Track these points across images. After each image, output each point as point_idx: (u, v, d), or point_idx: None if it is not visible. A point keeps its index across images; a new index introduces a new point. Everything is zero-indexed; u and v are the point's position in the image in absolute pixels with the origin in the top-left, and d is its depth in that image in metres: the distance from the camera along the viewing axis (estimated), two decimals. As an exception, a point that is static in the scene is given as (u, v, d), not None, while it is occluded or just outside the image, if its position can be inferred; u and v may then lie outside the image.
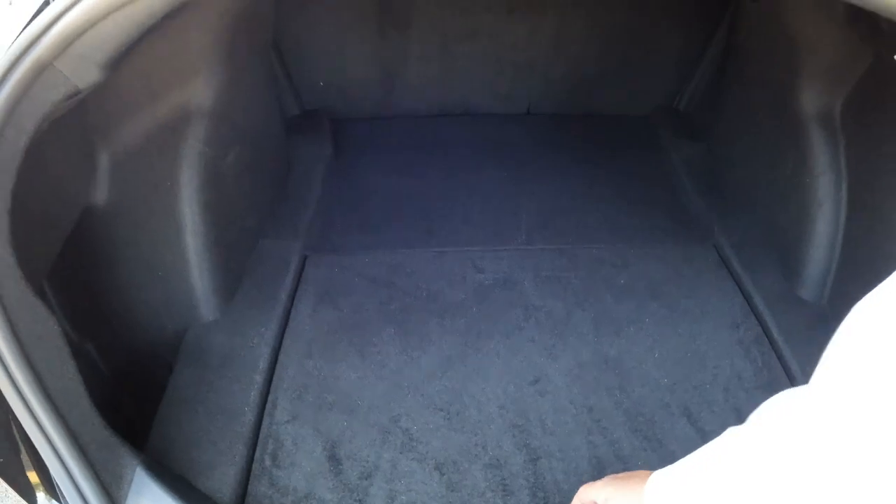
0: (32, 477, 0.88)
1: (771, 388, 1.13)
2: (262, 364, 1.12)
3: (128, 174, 1.01)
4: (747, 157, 1.55)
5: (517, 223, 1.54)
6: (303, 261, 1.40)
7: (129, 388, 1.08)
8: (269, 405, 1.08)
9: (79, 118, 0.89)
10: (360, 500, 0.95)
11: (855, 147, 1.22)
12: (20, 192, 0.72)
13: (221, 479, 0.93)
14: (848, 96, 1.22)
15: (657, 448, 1.04)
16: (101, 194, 0.97)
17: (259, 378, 1.10)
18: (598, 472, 1.00)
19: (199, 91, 1.07)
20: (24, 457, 0.85)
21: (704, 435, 1.06)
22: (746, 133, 1.56)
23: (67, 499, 0.75)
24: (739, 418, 1.09)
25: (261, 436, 1.03)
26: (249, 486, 0.96)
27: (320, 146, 1.74)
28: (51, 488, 0.84)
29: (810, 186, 1.28)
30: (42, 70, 0.69)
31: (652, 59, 1.86)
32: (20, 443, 0.84)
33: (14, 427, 0.81)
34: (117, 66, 0.74)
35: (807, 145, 1.28)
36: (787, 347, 1.20)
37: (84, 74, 0.72)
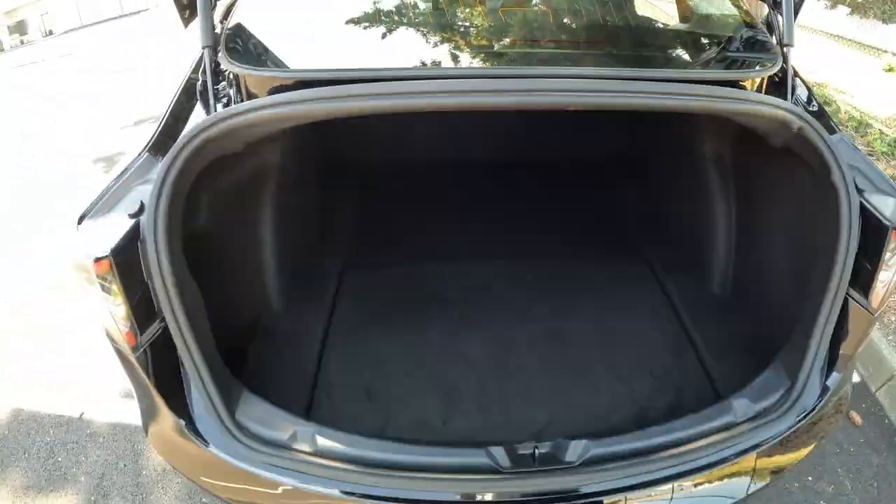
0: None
1: (675, 351, 1.65)
2: (316, 339, 1.65)
3: (221, 207, 1.50)
4: (671, 191, 2.12)
5: (497, 245, 2.12)
6: (342, 271, 1.97)
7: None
8: (322, 364, 1.60)
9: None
10: (387, 416, 1.45)
11: (740, 181, 1.77)
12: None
13: (294, 408, 1.39)
14: (733, 145, 1.77)
15: (587, 388, 1.56)
16: (200, 221, 1.44)
17: (315, 348, 1.62)
18: (544, 399, 1.52)
19: (275, 152, 1.62)
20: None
21: (621, 379, 1.58)
22: (671, 172, 2.13)
23: (203, 407, 1.17)
24: (652, 373, 1.63)
25: (318, 383, 1.54)
26: (312, 411, 1.45)
27: (348, 187, 2.31)
28: (189, 421, 1.23)
29: (711, 211, 1.82)
30: (210, 143, 1.15)
31: (608, 121, 2.46)
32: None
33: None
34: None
35: (707, 181, 1.83)
36: (691, 323, 1.73)
37: (234, 146, 1.23)
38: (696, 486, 1.12)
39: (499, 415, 1.45)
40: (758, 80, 1.39)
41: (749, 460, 1.16)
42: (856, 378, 2.35)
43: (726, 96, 1.16)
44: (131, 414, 2.18)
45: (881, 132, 3.81)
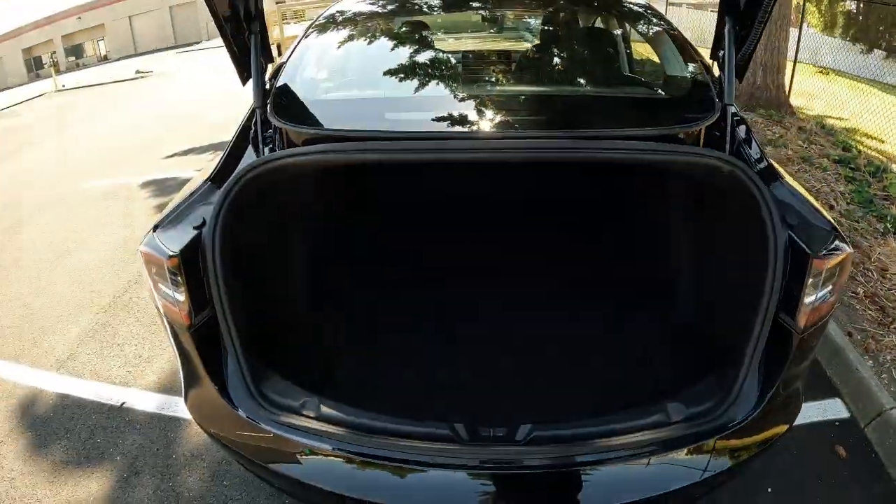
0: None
1: (634, 367, 1.96)
2: (336, 335, 2.01)
3: (262, 226, 1.87)
4: (640, 229, 2.45)
5: (487, 273, 2.45)
6: (356, 283, 2.37)
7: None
8: (333, 359, 1.94)
9: None
10: (382, 400, 1.73)
11: (698, 221, 2.06)
12: None
13: (310, 390, 1.71)
14: (691, 190, 2.06)
15: (550, 390, 1.86)
16: (245, 236, 1.75)
17: (328, 345, 1.97)
18: (511, 397, 1.82)
19: (307, 186, 2.03)
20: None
21: (581, 385, 1.87)
22: (640, 213, 2.48)
23: (236, 378, 1.50)
24: (613, 385, 1.96)
25: (329, 374, 1.87)
26: (326, 391, 1.75)
27: (365, 214, 2.71)
28: (222, 388, 1.57)
29: (678, 249, 2.11)
30: (257, 178, 1.53)
31: (588, 172, 2.81)
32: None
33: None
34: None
35: (669, 220, 2.15)
36: (651, 343, 2.03)
37: (275, 181, 1.61)
38: (633, 469, 1.37)
39: (472, 404, 1.74)
40: (696, 132, 1.69)
41: (684, 455, 1.40)
42: (845, 414, 2.52)
43: (663, 149, 1.47)
44: (168, 407, 2.56)
45: (898, 177, 4.00)
